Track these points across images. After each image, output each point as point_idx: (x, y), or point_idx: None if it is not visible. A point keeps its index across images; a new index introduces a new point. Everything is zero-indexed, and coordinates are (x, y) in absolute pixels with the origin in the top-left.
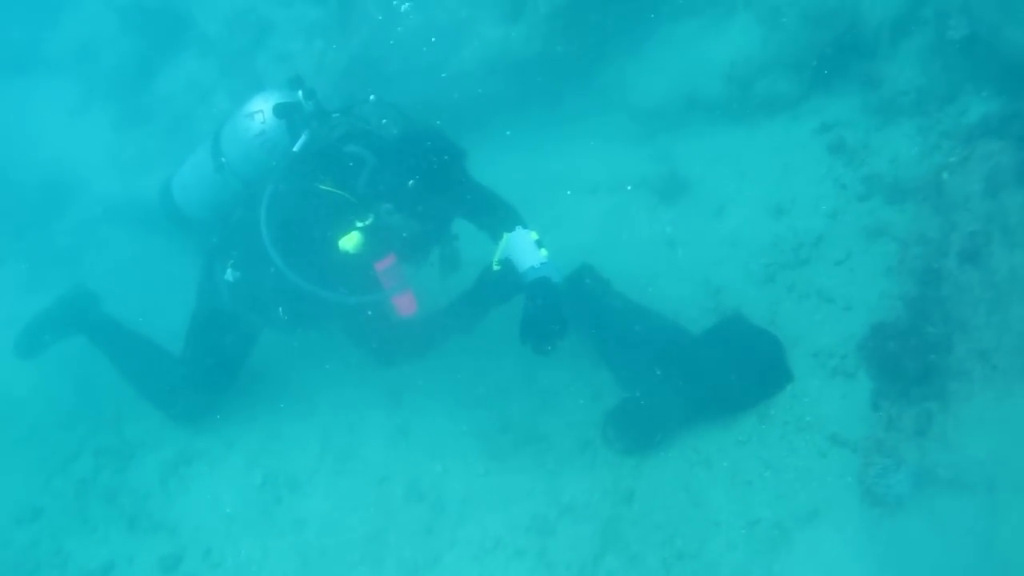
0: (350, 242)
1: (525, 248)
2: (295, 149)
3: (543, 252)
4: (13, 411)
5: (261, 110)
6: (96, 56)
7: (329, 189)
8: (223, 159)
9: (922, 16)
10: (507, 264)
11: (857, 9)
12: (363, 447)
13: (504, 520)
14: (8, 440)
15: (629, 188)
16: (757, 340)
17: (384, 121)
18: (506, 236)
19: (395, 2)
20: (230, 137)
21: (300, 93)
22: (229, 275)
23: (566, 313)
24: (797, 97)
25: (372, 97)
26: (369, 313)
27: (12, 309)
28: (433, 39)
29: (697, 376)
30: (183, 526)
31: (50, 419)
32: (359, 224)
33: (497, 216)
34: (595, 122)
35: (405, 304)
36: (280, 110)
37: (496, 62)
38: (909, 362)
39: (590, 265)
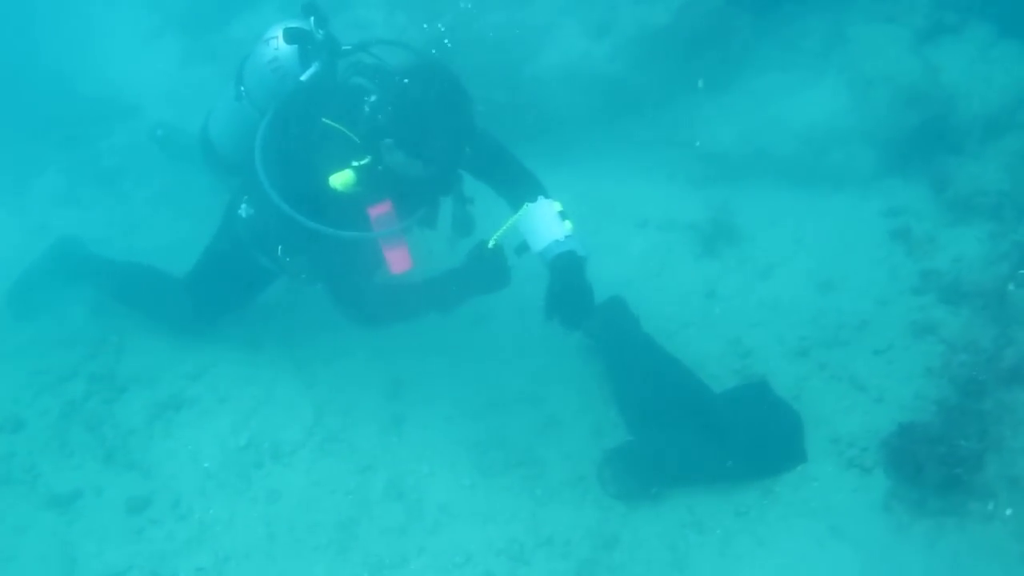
0: (340, 179)
1: (548, 220)
2: (302, 78)
3: (567, 224)
4: (20, 324)
5: (276, 36)
6: None
7: (331, 124)
8: (242, 87)
9: (1018, 120)
10: (498, 248)
11: (952, 100)
12: (353, 431)
13: (480, 538)
14: (7, 348)
15: None
16: (777, 412)
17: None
18: (527, 206)
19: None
20: (250, 65)
21: (312, 20)
22: (243, 211)
23: (591, 287)
24: (870, 175)
25: (442, 26)
26: (357, 257)
27: (43, 220)
28: (515, 39)
29: (708, 435)
30: (158, 471)
31: (53, 334)
32: (354, 163)
33: (516, 182)
34: (658, 156)
35: (398, 258)
36: (290, 35)
37: (573, 75)
38: (933, 470)
39: (621, 298)
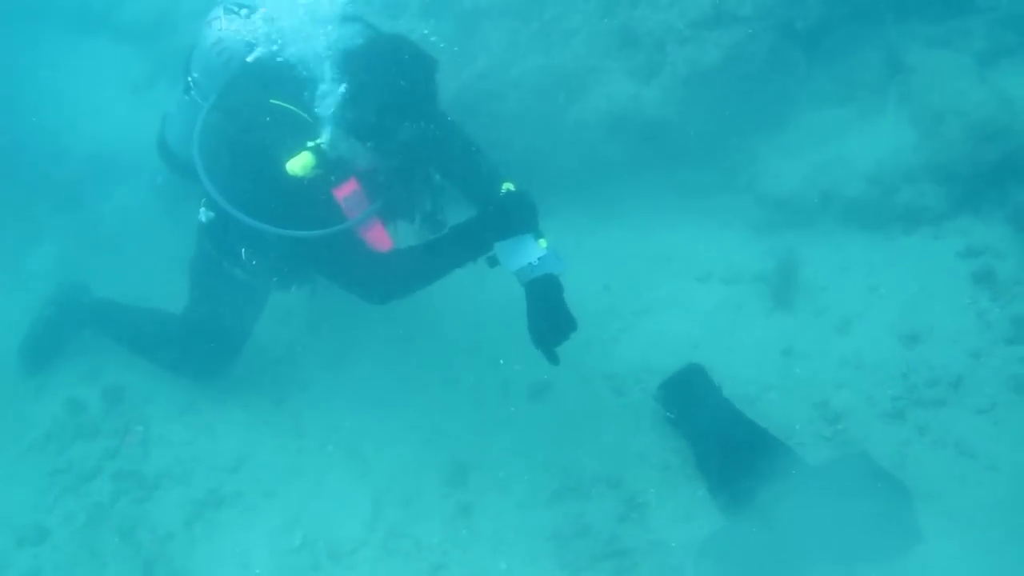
0: (298, 164)
1: (520, 239)
2: (248, 60)
3: (541, 243)
4: (30, 411)
5: (219, 16)
6: (171, 31)
7: (281, 104)
8: (190, 77)
9: None
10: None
11: None
12: (418, 525)
13: None
14: (21, 445)
15: None
16: (883, 486)
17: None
18: None
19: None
20: (196, 51)
21: None
22: (203, 215)
23: (568, 312)
24: (942, 213)
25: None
26: (337, 247)
27: (41, 295)
28: (556, 83)
29: (810, 515)
30: None
31: (69, 426)
32: (310, 144)
33: (486, 186)
34: (714, 202)
35: (376, 239)
36: (230, 12)
37: (620, 120)
38: None
39: (699, 366)
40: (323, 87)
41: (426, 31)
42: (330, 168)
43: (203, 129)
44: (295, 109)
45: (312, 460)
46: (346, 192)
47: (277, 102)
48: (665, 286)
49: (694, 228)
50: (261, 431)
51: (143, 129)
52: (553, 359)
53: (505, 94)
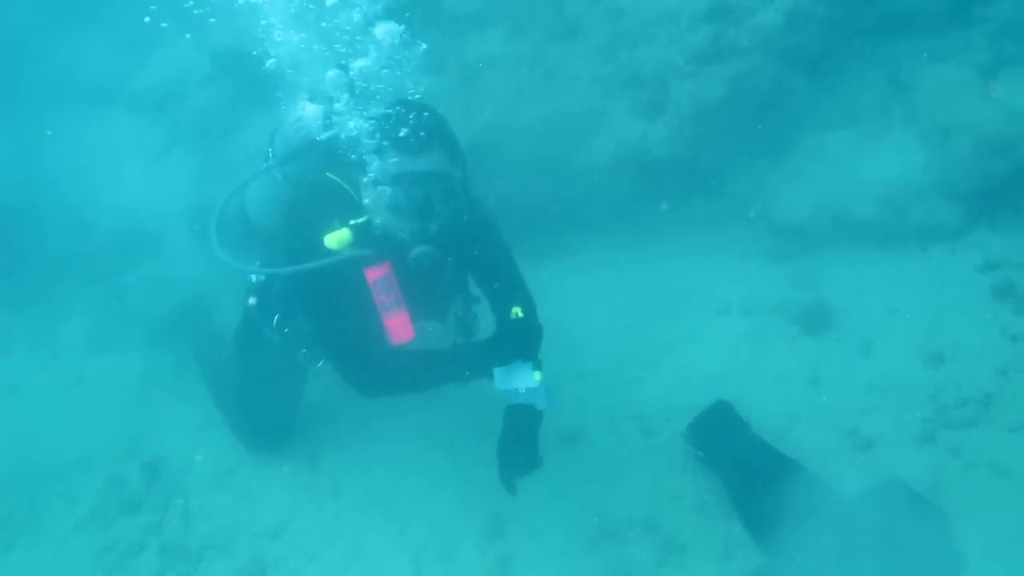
0: (335, 238)
1: (516, 365)
2: (319, 138)
3: (536, 375)
4: (75, 488)
5: (304, 97)
6: (183, 98)
7: (335, 179)
8: (270, 149)
9: None
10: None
11: None
12: None
13: None
14: (67, 523)
15: None
16: (920, 512)
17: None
18: None
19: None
20: (279, 127)
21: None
22: (254, 276)
23: (536, 450)
24: (958, 229)
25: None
26: (356, 318)
27: (78, 370)
28: (562, 128)
29: (849, 547)
30: None
31: (113, 501)
32: (352, 222)
33: (508, 300)
34: (728, 233)
35: (398, 326)
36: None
37: (629, 160)
38: None
39: (726, 403)
40: (370, 170)
41: (431, 86)
42: (366, 248)
43: (252, 192)
44: (347, 186)
45: (351, 521)
46: (377, 274)
47: (332, 176)
48: (686, 322)
49: (711, 261)
50: (299, 494)
51: (162, 197)
52: (511, 489)
53: (514, 142)
